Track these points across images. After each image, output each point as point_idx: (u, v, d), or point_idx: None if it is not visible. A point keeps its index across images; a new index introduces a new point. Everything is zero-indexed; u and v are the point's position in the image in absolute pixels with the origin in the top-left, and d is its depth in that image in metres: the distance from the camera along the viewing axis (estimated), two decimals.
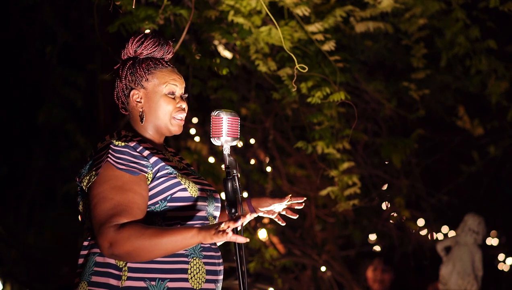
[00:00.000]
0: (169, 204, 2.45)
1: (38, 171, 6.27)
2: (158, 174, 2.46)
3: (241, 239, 2.29)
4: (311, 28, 4.32)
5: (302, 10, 4.24)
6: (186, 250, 2.43)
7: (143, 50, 2.60)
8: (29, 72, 6.18)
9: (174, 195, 2.45)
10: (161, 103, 2.56)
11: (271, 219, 5.96)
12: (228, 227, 2.24)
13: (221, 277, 2.54)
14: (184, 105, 2.60)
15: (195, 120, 5.57)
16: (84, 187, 2.45)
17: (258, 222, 5.79)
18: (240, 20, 4.22)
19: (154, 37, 2.63)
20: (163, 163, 2.48)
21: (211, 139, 2.54)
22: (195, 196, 2.49)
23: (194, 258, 2.45)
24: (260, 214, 2.73)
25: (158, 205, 2.45)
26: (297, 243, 6.18)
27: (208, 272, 2.48)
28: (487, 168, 7.24)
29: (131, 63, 2.59)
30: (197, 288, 2.44)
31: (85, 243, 2.52)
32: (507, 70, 5.60)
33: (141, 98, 2.57)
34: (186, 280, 2.42)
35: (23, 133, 6.49)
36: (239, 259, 2.43)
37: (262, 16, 4.28)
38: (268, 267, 5.65)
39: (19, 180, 6.45)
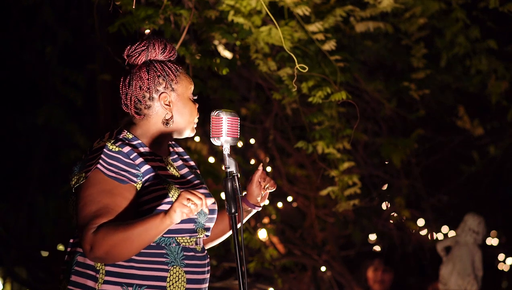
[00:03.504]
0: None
1: (38, 171, 6.26)
2: (147, 184, 2.43)
3: (209, 201, 2.29)
4: (311, 28, 4.31)
5: (302, 10, 4.24)
6: (166, 258, 2.41)
7: (166, 55, 2.55)
8: (29, 72, 6.18)
9: (159, 207, 2.41)
10: (190, 105, 2.55)
11: (271, 219, 5.97)
12: (188, 200, 2.23)
13: (205, 285, 2.51)
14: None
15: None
16: (71, 186, 2.45)
17: (258, 222, 5.79)
18: (240, 20, 4.22)
19: (169, 42, 2.59)
20: (154, 173, 2.44)
21: (211, 139, 2.53)
22: None
23: (175, 266, 2.42)
24: (262, 203, 2.69)
25: (143, 215, 2.40)
26: (297, 243, 6.18)
27: (190, 281, 2.45)
28: (487, 168, 7.24)
29: (158, 65, 2.52)
30: None
31: (71, 241, 2.51)
32: (507, 70, 5.60)
33: (170, 102, 2.51)
34: (164, 288, 2.40)
35: (23, 133, 6.49)
36: (239, 259, 2.43)
37: (262, 16, 4.27)
38: (268, 267, 5.65)
39: (19, 180, 6.45)
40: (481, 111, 6.49)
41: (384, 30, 4.89)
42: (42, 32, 5.91)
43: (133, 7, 3.77)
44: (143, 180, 2.43)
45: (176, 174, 2.55)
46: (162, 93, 2.51)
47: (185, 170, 2.61)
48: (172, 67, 2.53)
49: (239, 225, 2.53)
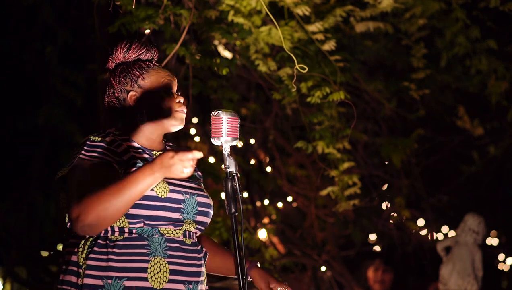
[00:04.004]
0: None
1: (38, 171, 6.26)
2: (127, 171, 2.43)
3: (197, 154, 2.27)
4: (311, 28, 4.32)
5: (302, 10, 4.24)
6: (147, 249, 2.41)
7: (131, 54, 2.60)
8: (29, 72, 6.18)
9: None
10: (161, 98, 2.56)
11: (271, 219, 5.98)
12: (180, 159, 2.23)
13: (197, 278, 2.49)
14: (182, 100, 2.60)
15: (195, 120, 5.57)
16: (56, 178, 2.49)
17: (258, 222, 5.79)
18: (240, 20, 4.22)
19: (139, 41, 2.64)
20: (135, 160, 2.46)
21: (211, 139, 2.53)
22: (163, 197, 2.44)
23: (156, 257, 2.41)
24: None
25: None
26: (297, 243, 6.18)
27: (174, 272, 2.43)
28: (487, 168, 7.24)
29: (122, 67, 2.59)
30: (158, 288, 2.40)
31: (65, 243, 2.54)
32: (507, 70, 5.60)
33: (139, 99, 2.55)
34: (145, 279, 2.39)
35: (23, 133, 6.48)
36: (239, 259, 2.43)
37: (262, 16, 4.27)
38: (268, 267, 5.65)
39: (19, 180, 6.44)
40: (481, 111, 6.49)
41: (384, 30, 4.89)
42: (42, 32, 5.91)
43: (133, 7, 3.77)
44: (126, 166, 2.44)
45: None
46: (130, 92, 2.56)
47: None
48: (137, 65, 2.58)
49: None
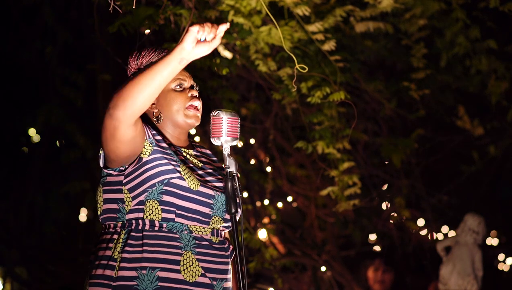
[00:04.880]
0: (165, 187, 2.46)
1: (38, 171, 6.26)
2: (158, 155, 2.49)
3: (223, 27, 2.35)
4: (311, 28, 4.31)
5: (302, 10, 4.24)
6: (179, 243, 2.45)
7: (142, 60, 2.64)
8: (29, 72, 6.18)
9: (171, 180, 2.46)
10: (172, 96, 2.60)
11: (271, 219, 5.97)
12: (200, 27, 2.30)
13: (223, 275, 2.53)
14: (196, 93, 2.62)
15: None
16: (100, 155, 2.53)
17: (258, 222, 5.79)
18: (240, 20, 4.22)
19: (149, 47, 2.69)
20: (166, 147, 2.52)
21: (211, 139, 2.54)
22: (194, 189, 2.49)
23: (187, 251, 2.46)
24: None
25: (155, 187, 2.46)
26: (297, 243, 6.18)
27: (205, 269, 2.48)
28: (487, 168, 7.23)
29: (136, 72, 2.63)
30: (190, 281, 2.44)
31: (97, 240, 2.57)
32: (507, 70, 5.60)
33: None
34: (178, 271, 2.43)
35: (23, 133, 6.49)
36: (239, 259, 2.44)
37: (262, 16, 4.27)
38: (268, 267, 5.65)
39: (19, 180, 6.44)
40: (481, 111, 6.48)
41: (384, 30, 4.89)
42: (42, 32, 5.91)
43: (133, 7, 3.77)
44: (153, 147, 2.50)
45: (197, 164, 2.61)
46: None
47: (209, 166, 2.66)
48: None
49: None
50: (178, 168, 2.48)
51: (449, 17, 5.23)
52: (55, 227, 6.49)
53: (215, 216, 2.53)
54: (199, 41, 2.35)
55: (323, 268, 6.06)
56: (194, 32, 2.32)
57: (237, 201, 2.49)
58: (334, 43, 4.37)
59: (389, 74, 6.03)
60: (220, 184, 2.60)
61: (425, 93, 5.48)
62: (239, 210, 2.50)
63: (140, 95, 2.33)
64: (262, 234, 5.60)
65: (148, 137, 2.50)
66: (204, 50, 2.35)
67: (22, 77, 6.26)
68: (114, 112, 2.34)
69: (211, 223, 2.52)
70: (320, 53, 4.51)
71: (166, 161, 2.48)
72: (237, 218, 2.51)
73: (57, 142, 6.41)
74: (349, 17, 4.72)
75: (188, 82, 2.65)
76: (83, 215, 6.41)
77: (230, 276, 2.57)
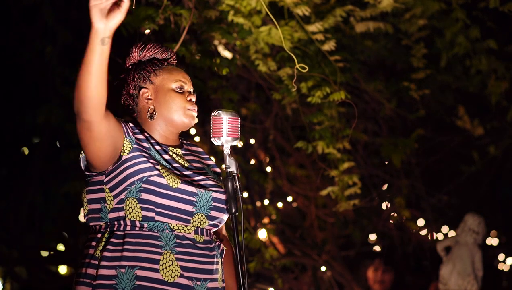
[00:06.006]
0: (144, 185, 2.45)
1: (38, 171, 6.26)
2: (137, 153, 2.48)
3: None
4: (311, 28, 4.31)
5: (302, 10, 4.24)
6: (160, 241, 2.44)
7: (146, 52, 2.66)
8: (29, 72, 6.18)
9: (150, 178, 2.45)
10: (172, 96, 2.59)
11: (271, 219, 5.98)
12: None
13: (208, 275, 2.50)
14: (194, 99, 2.63)
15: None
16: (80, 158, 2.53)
17: (258, 222, 5.79)
18: (240, 20, 4.22)
19: (156, 41, 2.70)
20: (147, 146, 2.52)
21: (211, 139, 2.54)
22: (174, 187, 2.47)
23: (167, 251, 2.45)
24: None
25: (134, 185, 2.45)
26: (297, 243, 6.18)
27: (185, 269, 2.45)
28: (487, 168, 7.23)
29: (137, 65, 2.65)
30: (169, 281, 2.43)
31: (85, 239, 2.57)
32: (507, 70, 5.60)
33: (151, 95, 2.60)
34: (157, 270, 2.42)
35: (23, 133, 6.48)
36: (239, 259, 2.44)
37: (262, 16, 4.27)
38: (268, 267, 5.65)
39: (19, 180, 6.44)
40: (481, 111, 6.49)
41: (384, 30, 4.89)
42: (42, 32, 5.90)
43: (133, 7, 3.77)
44: (133, 145, 2.49)
45: (183, 163, 2.59)
46: (142, 88, 2.61)
47: (198, 164, 2.65)
48: (150, 62, 2.64)
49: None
50: (157, 166, 2.48)
51: (449, 17, 5.23)
52: (55, 227, 6.48)
53: (198, 214, 2.51)
54: (110, 11, 2.28)
55: (323, 268, 6.07)
56: (96, 5, 2.26)
57: (237, 201, 2.48)
58: (334, 43, 4.37)
59: (389, 74, 6.03)
60: (209, 182, 2.58)
61: (425, 93, 5.48)
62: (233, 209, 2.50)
63: (88, 89, 2.28)
64: (262, 234, 5.60)
65: (127, 135, 2.49)
66: (118, 17, 2.29)
67: (22, 77, 6.26)
68: (80, 114, 2.33)
69: (192, 221, 2.51)
70: (320, 53, 4.51)
71: (144, 159, 2.48)
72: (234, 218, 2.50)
73: (57, 142, 6.41)
74: (349, 17, 4.72)
75: (188, 86, 2.64)
76: (83, 215, 6.40)
77: (217, 276, 2.54)
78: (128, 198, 2.46)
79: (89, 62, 2.27)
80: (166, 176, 2.47)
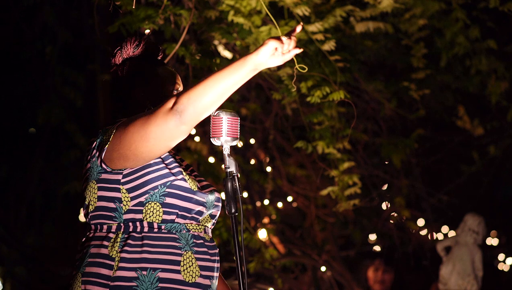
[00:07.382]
0: (168, 190, 2.45)
1: (38, 171, 6.26)
2: (163, 157, 2.47)
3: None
4: (311, 28, 4.31)
5: (302, 10, 4.24)
6: (179, 243, 2.44)
7: (140, 49, 2.65)
8: (29, 72, 6.18)
9: (174, 183, 2.45)
10: (163, 93, 2.59)
11: (271, 219, 5.97)
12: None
13: (217, 274, 2.53)
14: None
15: None
16: (102, 143, 2.47)
17: (258, 222, 5.79)
18: (240, 20, 4.22)
19: (148, 39, 2.69)
20: (168, 153, 2.51)
21: (211, 139, 2.54)
22: (194, 190, 2.49)
23: (187, 251, 2.45)
24: None
25: (158, 190, 2.44)
26: (297, 243, 6.18)
27: (202, 268, 2.47)
28: (487, 168, 7.24)
29: (130, 61, 2.62)
30: (190, 281, 2.43)
31: (83, 239, 2.54)
32: (507, 70, 5.60)
33: (148, 95, 2.58)
34: (178, 272, 2.42)
35: (23, 133, 6.49)
36: (239, 259, 2.44)
37: (262, 16, 4.27)
38: (268, 267, 5.65)
39: (19, 180, 6.45)
40: (481, 111, 6.49)
41: (384, 30, 4.89)
42: (42, 32, 5.91)
43: (133, 7, 3.77)
44: None
45: (182, 164, 2.61)
46: (134, 85, 2.59)
47: (183, 164, 2.66)
48: (143, 59, 2.62)
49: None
50: (181, 169, 2.48)
51: (449, 17, 5.23)
52: (55, 227, 6.49)
53: (205, 214, 2.54)
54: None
55: (323, 268, 6.06)
56: (272, 47, 2.35)
57: (237, 201, 2.49)
58: (334, 43, 4.36)
59: (389, 74, 6.03)
60: (205, 182, 2.60)
61: (425, 93, 5.48)
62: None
63: (215, 105, 2.33)
64: (262, 234, 5.60)
65: None
66: (277, 62, 2.41)
67: (22, 77, 6.27)
68: (191, 122, 2.32)
69: (201, 220, 2.52)
70: (320, 53, 4.51)
71: (169, 161, 2.48)
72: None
73: (57, 142, 6.42)
74: (349, 17, 4.72)
75: (177, 84, 2.65)
76: (84, 214, 6.40)
77: (218, 273, 2.57)
78: (149, 202, 2.44)
79: (234, 83, 2.38)
80: (188, 179, 2.48)
